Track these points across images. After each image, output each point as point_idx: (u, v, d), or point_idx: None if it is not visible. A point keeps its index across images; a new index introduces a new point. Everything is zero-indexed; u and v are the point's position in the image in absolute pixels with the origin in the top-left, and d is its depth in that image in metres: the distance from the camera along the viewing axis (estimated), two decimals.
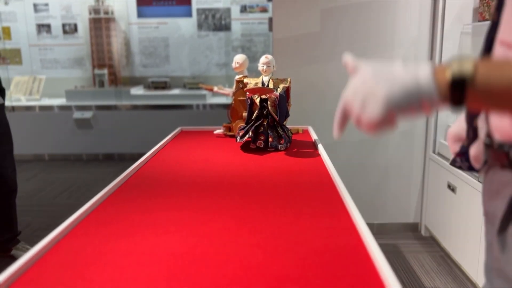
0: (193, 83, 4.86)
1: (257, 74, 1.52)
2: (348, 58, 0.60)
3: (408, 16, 2.41)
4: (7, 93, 4.41)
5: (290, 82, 1.49)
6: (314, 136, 1.64)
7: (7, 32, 4.93)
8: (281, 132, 1.46)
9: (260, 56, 1.50)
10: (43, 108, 4.55)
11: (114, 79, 4.94)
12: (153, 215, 0.90)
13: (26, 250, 2.30)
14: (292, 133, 1.61)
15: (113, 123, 4.52)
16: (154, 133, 3.78)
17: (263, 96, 1.44)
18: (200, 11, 4.86)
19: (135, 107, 4.53)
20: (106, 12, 4.80)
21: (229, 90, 1.76)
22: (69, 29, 4.95)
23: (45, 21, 4.93)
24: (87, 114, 4.50)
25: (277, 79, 1.48)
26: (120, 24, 4.92)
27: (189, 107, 4.49)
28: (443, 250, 2.35)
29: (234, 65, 1.64)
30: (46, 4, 4.89)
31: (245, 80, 1.53)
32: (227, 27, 4.86)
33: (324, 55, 2.47)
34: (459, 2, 2.25)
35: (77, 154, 4.61)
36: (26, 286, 0.64)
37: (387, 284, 0.62)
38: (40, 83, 4.80)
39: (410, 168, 2.61)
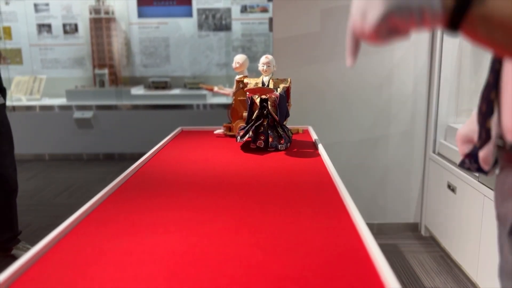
0: (194, 83, 4.86)
1: (257, 74, 1.52)
2: None
3: None
4: (8, 93, 4.41)
5: (290, 82, 1.49)
6: (314, 136, 1.64)
7: (7, 32, 4.94)
8: (281, 132, 1.46)
9: (261, 56, 1.50)
10: (44, 108, 4.56)
11: (115, 79, 4.94)
12: (153, 214, 0.91)
13: (26, 249, 2.31)
14: (292, 133, 1.61)
15: (114, 123, 4.52)
16: (154, 133, 3.78)
17: (263, 96, 1.44)
18: (201, 11, 4.86)
19: (136, 107, 4.54)
20: (107, 12, 4.81)
21: (229, 90, 1.76)
22: (70, 29, 4.95)
23: (46, 21, 4.93)
24: (88, 114, 4.50)
25: (277, 79, 1.48)
26: (121, 24, 4.93)
27: (190, 107, 4.49)
28: (443, 250, 2.36)
29: (234, 65, 1.64)
30: (47, 4, 4.89)
31: (245, 80, 1.54)
32: (227, 27, 4.86)
33: (324, 55, 2.47)
34: None
35: (77, 154, 4.61)
36: (26, 286, 0.64)
37: (386, 284, 0.62)
38: (40, 83, 4.81)
39: (410, 168, 2.61)
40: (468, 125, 0.79)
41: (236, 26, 4.84)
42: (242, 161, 1.34)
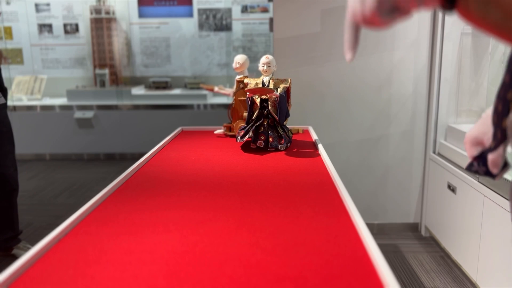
0: (194, 83, 4.87)
1: (258, 74, 1.52)
2: None
3: None
4: (9, 92, 4.42)
5: (290, 82, 1.49)
6: (314, 136, 1.64)
7: (8, 31, 4.94)
8: (281, 132, 1.46)
9: (261, 56, 1.50)
10: (45, 107, 4.56)
11: (115, 79, 4.95)
12: (154, 214, 0.91)
13: (27, 249, 2.31)
14: (292, 133, 1.61)
15: (114, 123, 4.53)
16: (155, 133, 3.79)
17: (264, 96, 1.44)
18: (201, 11, 4.86)
19: (136, 107, 4.54)
20: (108, 12, 4.81)
21: (230, 90, 1.76)
22: (71, 29, 4.96)
23: (47, 21, 4.94)
24: (88, 114, 4.51)
25: (277, 79, 1.49)
26: (121, 24, 4.93)
27: (190, 107, 4.50)
28: (443, 250, 2.36)
29: (234, 65, 1.65)
30: (48, 4, 4.90)
31: (246, 80, 1.54)
32: (228, 27, 4.87)
33: (325, 55, 2.47)
34: None
35: (78, 154, 4.62)
36: (27, 285, 0.64)
37: (385, 284, 0.62)
38: (41, 83, 4.82)
39: (410, 168, 2.61)
40: (478, 127, 0.78)
41: (237, 26, 4.84)
42: (242, 161, 1.34)
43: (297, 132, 1.76)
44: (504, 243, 1.69)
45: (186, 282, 0.64)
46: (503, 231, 1.70)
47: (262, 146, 1.45)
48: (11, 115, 2.34)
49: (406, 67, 2.47)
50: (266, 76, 1.48)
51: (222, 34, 4.89)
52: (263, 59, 1.48)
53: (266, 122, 1.46)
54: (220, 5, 4.84)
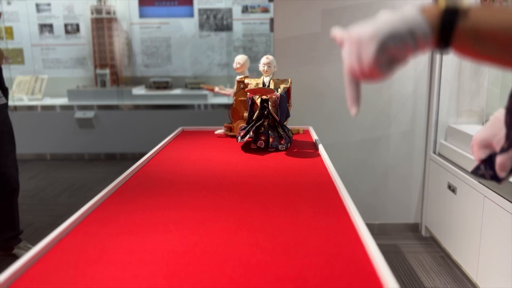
0: (195, 83, 4.87)
1: (258, 74, 1.53)
2: (335, 32, 0.60)
3: None
4: (10, 92, 4.42)
5: (290, 82, 1.49)
6: (314, 137, 1.64)
7: (9, 31, 4.95)
8: (282, 133, 1.47)
9: (261, 57, 1.50)
10: (45, 107, 4.57)
11: (116, 79, 4.95)
12: (154, 214, 0.91)
13: (28, 249, 2.31)
14: (292, 134, 1.61)
15: (115, 122, 4.53)
16: (155, 133, 3.78)
17: (264, 97, 1.44)
18: (202, 12, 4.87)
19: (137, 107, 4.54)
20: (108, 12, 4.81)
21: (230, 91, 1.76)
22: (71, 29, 4.96)
23: (48, 21, 4.94)
24: (89, 114, 4.51)
25: (278, 79, 1.49)
26: (122, 24, 4.94)
27: (191, 107, 4.50)
28: (443, 250, 2.36)
29: (235, 65, 1.65)
30: (49, 4, 4.90)
31: (246, 81, 1.54)
32: (228, 28, 4.87)
33: (325, 55, 2.47)
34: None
35: (79, 154, 4.62)
36: (28, 285, 0.64)
37: (385, 284, 0.62)
38: (42, 83, 4.82)
39: (410, 169, 2.61)
40: (488, 129, 0.76)
41: (237, 26, 4.84)
42: (242, 161, 1.34)
43: (298, 132, 1.76)
44: (504, 243, 1.69)
45: (186, 282, 0.64)
46: (503, 232, 1.70)
47: (262, 146, 1.46)
48: (12, 115, 2.34)
49: (406, 67, 2.47)
50: (266, 76, 1.48)
51: (223, 34, 4.90)
52: (264, 60, 1.48)
53: (267, 122, 1.46)
54: (221, 5, 4.84)
